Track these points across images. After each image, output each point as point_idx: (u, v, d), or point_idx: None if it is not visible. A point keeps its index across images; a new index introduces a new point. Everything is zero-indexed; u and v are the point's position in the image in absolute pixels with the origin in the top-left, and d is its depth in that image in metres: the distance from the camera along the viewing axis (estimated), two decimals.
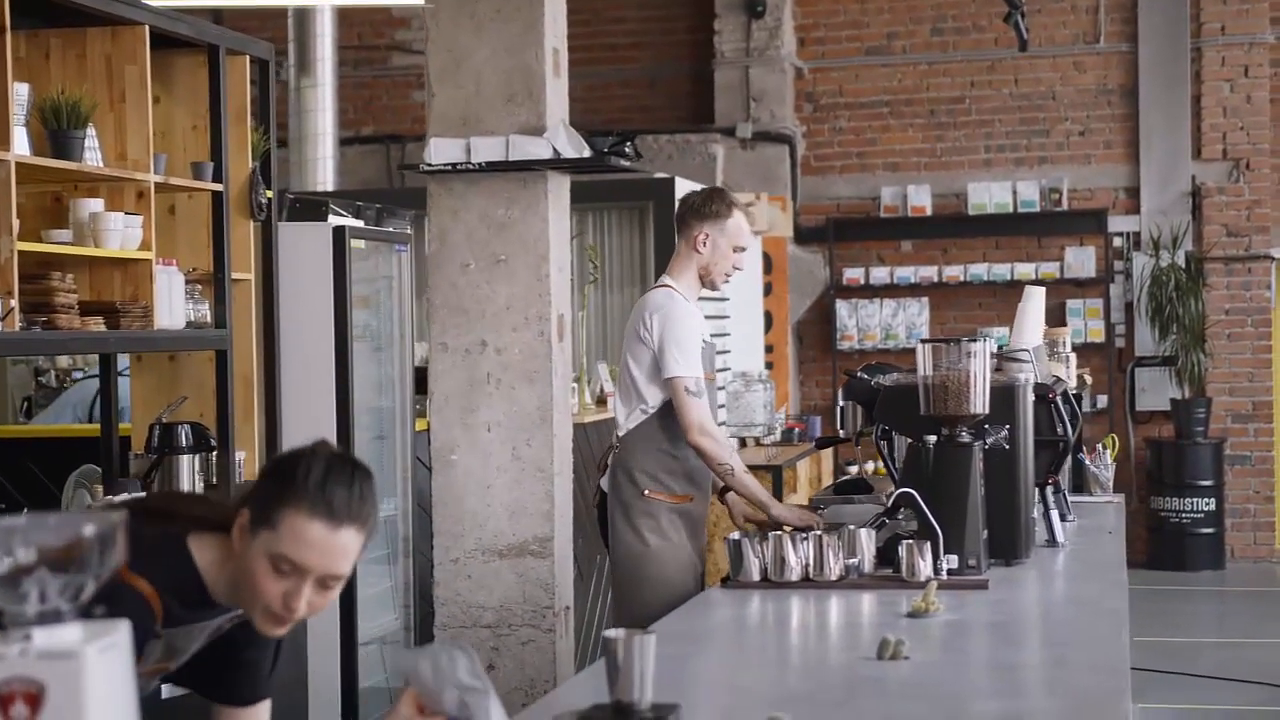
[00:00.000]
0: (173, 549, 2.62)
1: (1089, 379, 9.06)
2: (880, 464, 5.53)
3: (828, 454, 10.59)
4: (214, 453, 5.52)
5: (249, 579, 2.53)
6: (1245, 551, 12.13)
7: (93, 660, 1.75)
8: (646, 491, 5.02)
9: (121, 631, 1.81)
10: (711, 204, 5.14)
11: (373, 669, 6.47)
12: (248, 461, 5.77)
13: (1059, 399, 4.91)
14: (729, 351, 10.24)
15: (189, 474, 5.37)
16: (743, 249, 5.17)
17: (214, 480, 5.53)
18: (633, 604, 4.96)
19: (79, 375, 8.05)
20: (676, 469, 5.05)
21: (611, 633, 2.62)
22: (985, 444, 4.32)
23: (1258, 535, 12.17)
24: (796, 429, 10.38)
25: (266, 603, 2.53)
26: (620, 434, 5.12)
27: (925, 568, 4.04)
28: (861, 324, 12.46)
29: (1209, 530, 11.82)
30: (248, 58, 5.80)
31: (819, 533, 4.19)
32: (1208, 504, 11.79)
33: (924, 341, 4.33)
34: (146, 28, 5.15)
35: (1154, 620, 9.95)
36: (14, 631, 1.74)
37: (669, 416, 5.03)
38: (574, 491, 5.65)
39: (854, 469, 9.81)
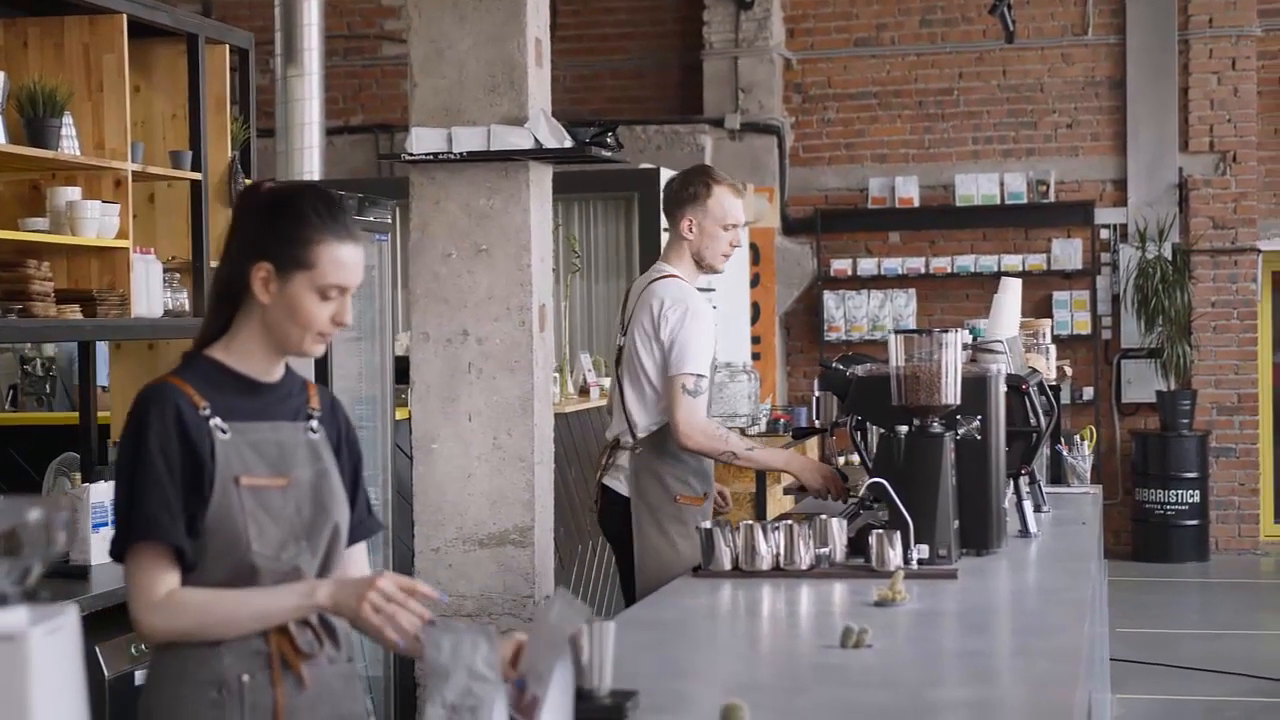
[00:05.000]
0: (194, 361, 2.81)
1: (1069, 370, 9.06)
2: None
3: (816, 444, 10.61)
4: None
5: (295, 316, 2.77)
6: (1230, 544, 12.16)
7: (38, 643, 1.76)
8: (679, 497, 4.95)
9: (69, 615, 1.82)
10: (689, 187, 5.02)
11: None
12: None
13: (1033, 390, 4.92)
14: (715, 342, 10.26)
15: None
16: (733, 226, 5.02)
17: None
18: None
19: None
20: (701, 468, 5.02)
21: None
22: (957, 434, 4.32)
23: (1242, 527, 12.20)
24: (783, 420, 10.39)
25: (318, 328, 2.79)
26: (639, 434, 4.99)
27: (895, 557, 4.06)
28: (849, 315, 12.47)
29: (1194, 522, 11.85)
30: (227, 47, 5.82)
31: (790, 523, 4.19)
32: (1193, 496, 11.82)
33: (897, 332, 4.35)
34: (124, 16, 5.15)
35: (1138, 611, 9.98)
36: None
37: None
38: (555, 481, 5.66)
39: (842, 460, 9.81)
